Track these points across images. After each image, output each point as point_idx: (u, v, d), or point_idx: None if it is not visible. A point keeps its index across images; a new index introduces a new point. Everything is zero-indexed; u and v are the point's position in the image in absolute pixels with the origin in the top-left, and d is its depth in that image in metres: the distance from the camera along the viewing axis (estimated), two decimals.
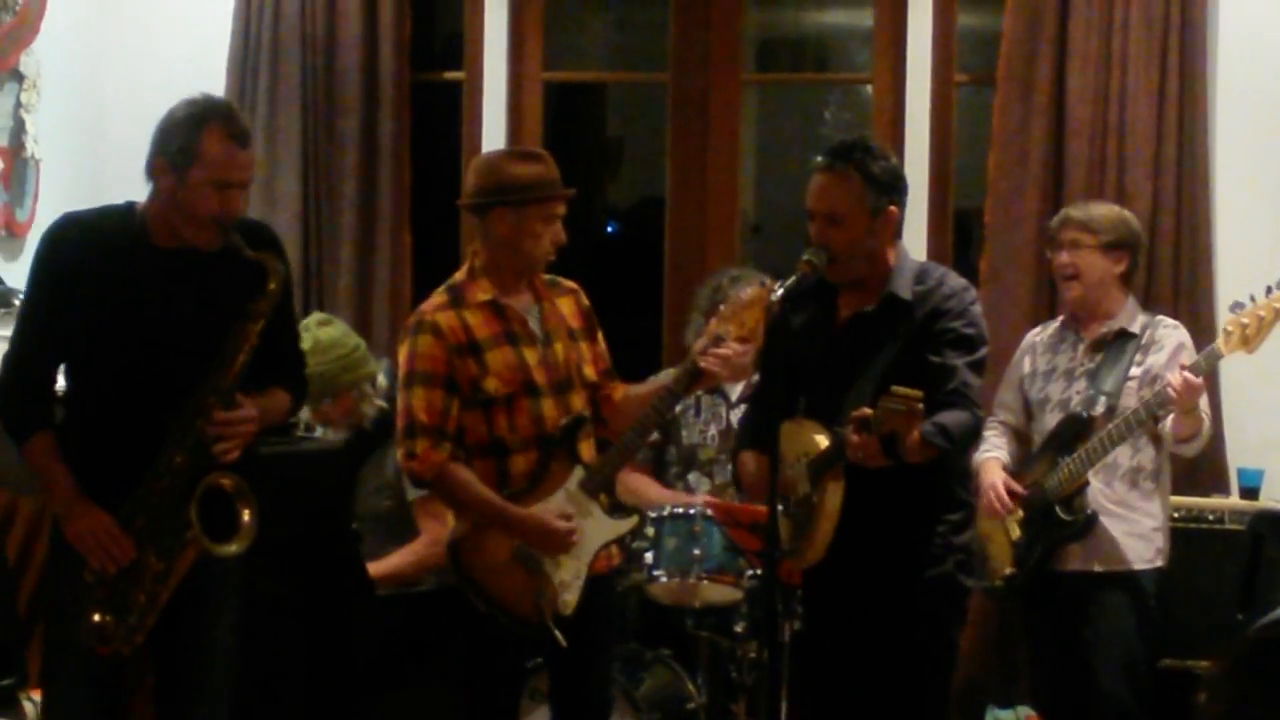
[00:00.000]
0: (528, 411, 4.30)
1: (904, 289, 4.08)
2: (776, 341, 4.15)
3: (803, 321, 4.17)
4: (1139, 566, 4.74)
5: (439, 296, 4.36)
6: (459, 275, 4.40)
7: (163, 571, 3.82)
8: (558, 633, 4.22)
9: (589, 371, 4.45)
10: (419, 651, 4.68)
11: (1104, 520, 4.69)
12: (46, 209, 5.66)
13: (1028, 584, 4.77)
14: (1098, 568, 4.71)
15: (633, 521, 4.48)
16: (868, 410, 3.77)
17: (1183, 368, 4.55)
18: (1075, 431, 4.71)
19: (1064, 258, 4.82)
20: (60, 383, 4.01)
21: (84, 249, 3.88)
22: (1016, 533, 4.75)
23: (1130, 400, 4.73)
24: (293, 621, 4.56)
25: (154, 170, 3.88)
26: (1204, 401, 4.68)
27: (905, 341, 4.04)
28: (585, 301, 4.55)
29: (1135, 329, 4.81)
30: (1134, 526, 4.74)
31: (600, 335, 4.54)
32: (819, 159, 4.12)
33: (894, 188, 4.10)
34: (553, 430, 4.32)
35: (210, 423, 3.79)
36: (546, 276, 4.49)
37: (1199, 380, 4.54)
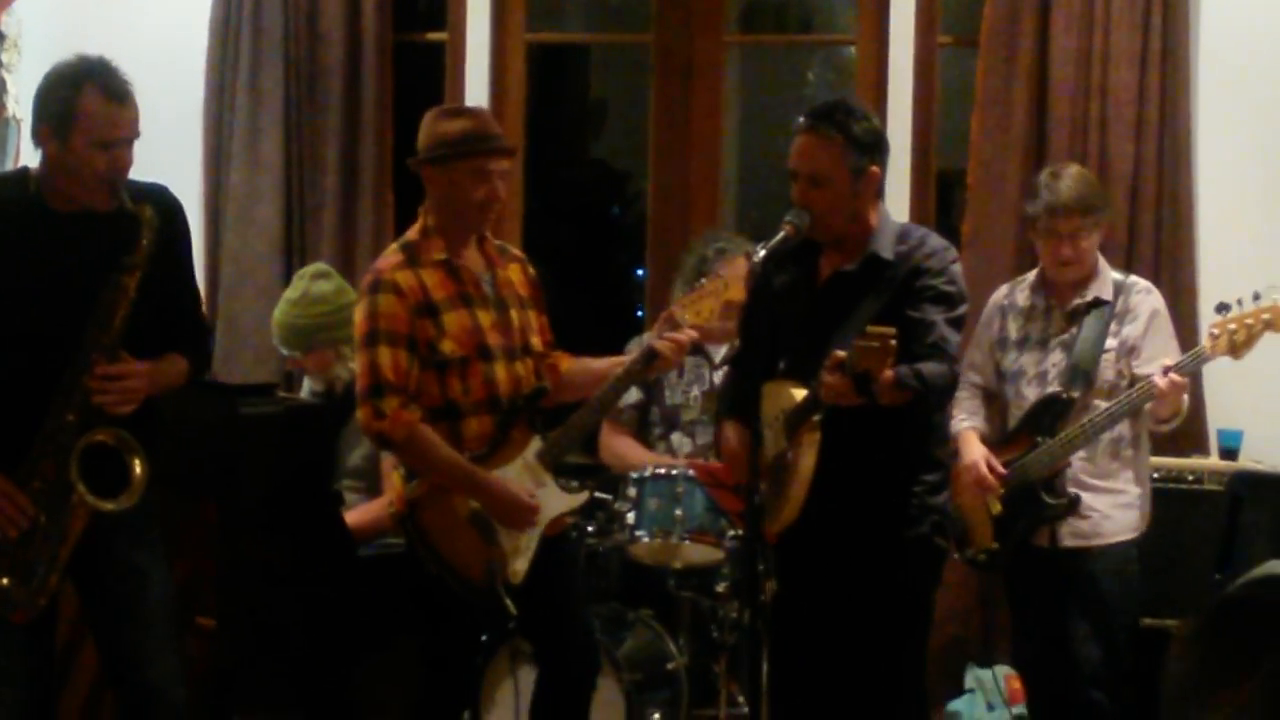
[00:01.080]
0: (481, 375, 4.29)
1: (886, 249, 4.09)
2: (758, 304, 4.16)
3: (784, 282, 4.16)
4: (1124, 537, 4.75)
5: (395, 255, 4.34)
6: (412, 233, 4.38)
7: (57, 532, 3.83)
8: (507, 600, 4.23)
9: (535, 341, 4.45)
10: (401, 611, 4.68)
11: (1088, 497, 4.69)
12: None
13: (1010, 558, 4.78)
14: (1084, 543, 4.71)
15: (584, 497, 4.54)
16: (842, 353, 3.78)
17: (1167, 369, 4.53)
18: (1055, 412, 4.69)
19: (1067, 251, 4.71)
20: None
21: None
22: (997, 508, 4.73)
23: (1108, 372, 4.71)
24: (275, 580, 4.58)
25: (38, 137, 3.88)
26: None
27: (887, 299, 4.05)
28: (532, 271, 4.54)
29: (1109, 295, 4.78)
30: (1118, 498, 4.75)
31: (543, 307, 4.54)
32: (801, 120, 4.13)
33: (875, 148, 4.11)
34: (515, 396, 4.33)
35: (94, 377, 3.79)
36: (496, 242, 4.49)
37: (1184, 380, 4.54)
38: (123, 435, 3.82)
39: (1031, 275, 4.95)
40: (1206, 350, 4.56)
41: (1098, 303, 4.78)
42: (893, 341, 3.68)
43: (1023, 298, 4.91)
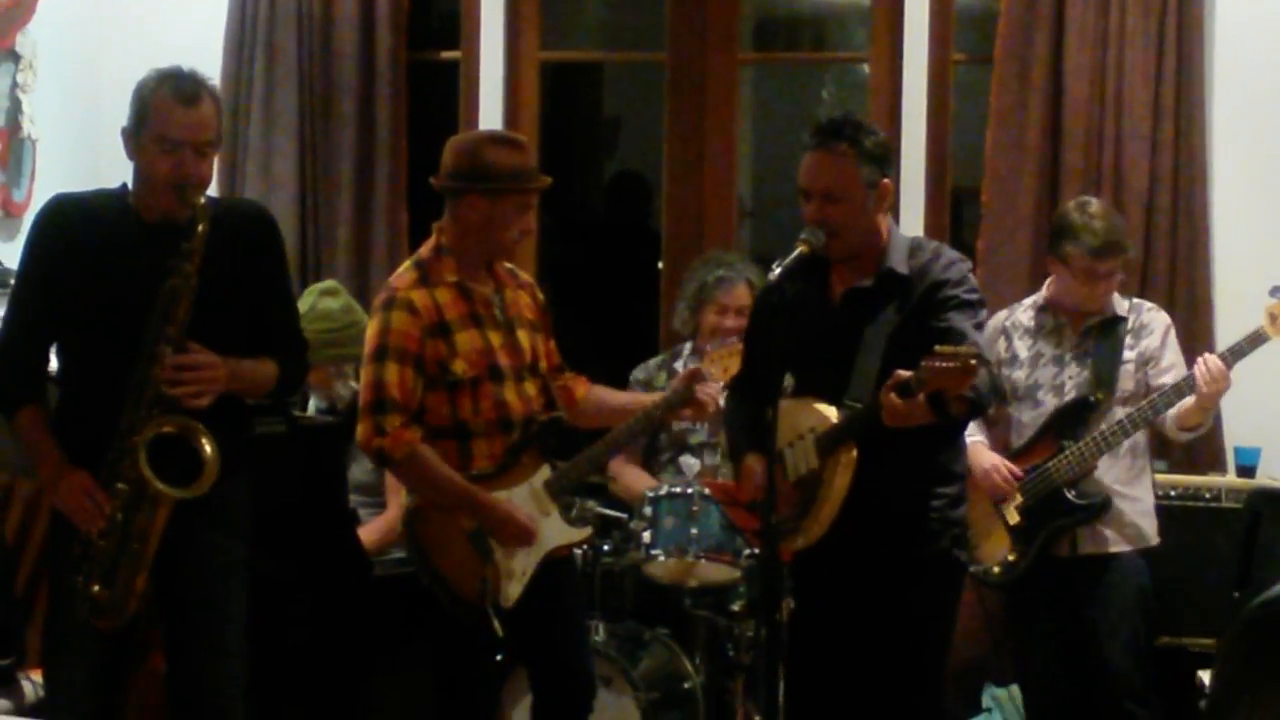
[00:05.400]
0: (492, 395, 4.29)
1: (900, 264, 4.08)
2: (762, 324, 4.15)
3: (792, 300, 4.07)
4: (1146, 544, 4.79)
5: (409, 273, 4.34)
6: (425, 251, 4.38)
7: (138, 530, 3.83)
8: (496, 621, 4.21)
9: (543, 364, 4.45)
10: (416, 630, 4.68)
11: (1115, 502, 4.72)
12: (43, 189, 5.66)
13: (1027, 571, 4.77)
14: (1112, 549, 4.73)
15: (586, 533, 4.58)
16: (906, 373, 3.73)
17: (1220, 356, 4.58)
18: (1079, 415, 4.71)
19: (1103, 290, 4.78)
20: (53, 363, 4.04)
21: (75, 228, 3.92)
22: (1015, 518, 4.74)
23: (1128, 382, 4.75)
24: (290, 600, 4.57)
25: (125, 142, 3.92)
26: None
27: (906, 314, 4.04)
28: (540, 296, 4.55)
29: (1124, 312, 4.84)
30: (1138, 504, 4.80)
31: (551, 332, 4.55)
32: (808, 137, 4.11)
33: (886, 161, 4.11)
34: (528, 418, 4.32)
35: (163, 369, 3.78)
36: (506, 265, 4.49)
37: (1225, 369, 4.58)
38: (186, 421, 3.79)
39: (1030, 299, 4.99)
40: (1267, 330, 4.61)
41: (1114, 319, 4.82)
42: (973, 361, 3.65)
43: (1026, 318, 4.94)
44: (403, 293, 4.27)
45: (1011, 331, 4.93)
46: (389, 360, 4.21)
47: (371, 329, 4.30)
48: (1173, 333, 4.88)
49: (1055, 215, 5.00)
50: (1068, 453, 4.71)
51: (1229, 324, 5.55)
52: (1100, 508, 4.71)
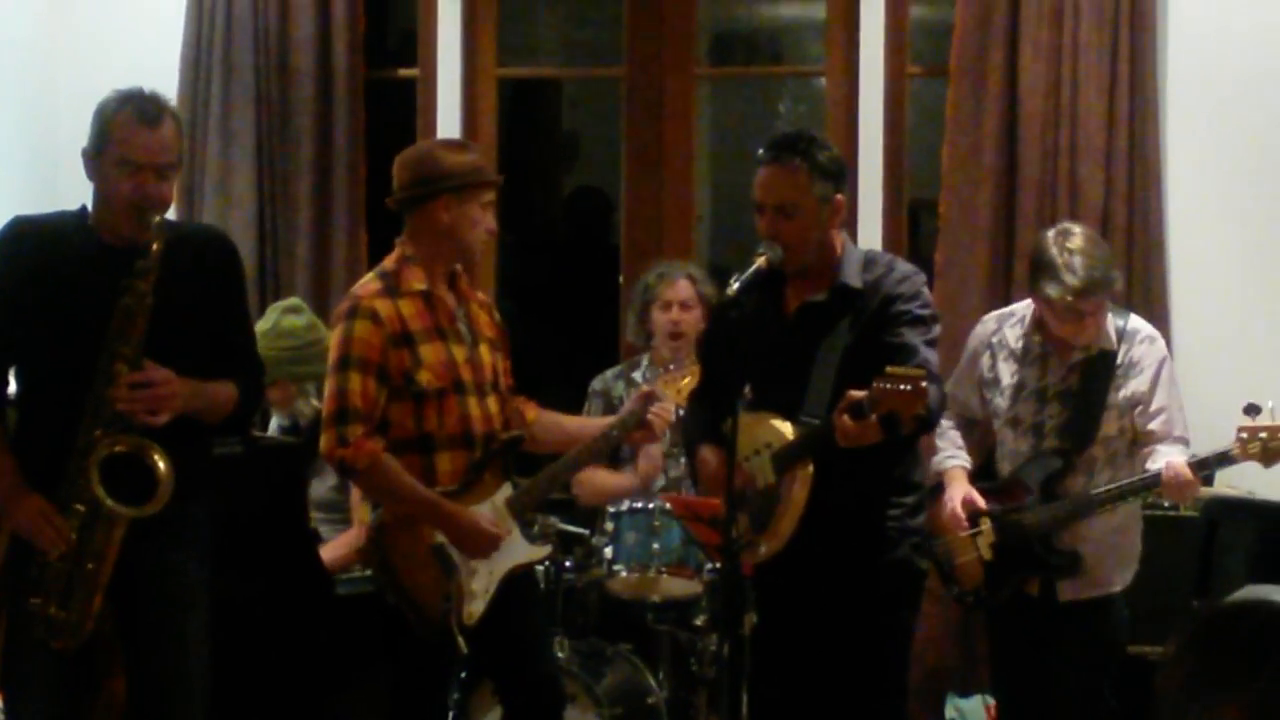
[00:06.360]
0: (456, 409, 4.30)
1: (853, 278, 4.10)
2: (719, 335, 4.17)
3: (748, 312, 4.09)
4: (1122, 587, 4.69)
5: (373, 283, 4.34)
6: (389, 263, 4.38)
7: (94, 551, 3.81)
8: (460, 638, 4.21)
9: (503, 382, 4.47)
10: (378, 649, 4.66)
11: (1091, 552, 4.58)
12: (0, 211, 5.63)
13: (1000, 604, 4.71)
14: (1084, 595, 4.61)
15: (546, 550, 4.62)
16: (858, 394, 3.74)
17: (1188, 464, 4.41)
18: (1054, 470, 4.58)
19: (1090, 329, 4.49)
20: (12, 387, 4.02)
21: (34, 250, 3.90)
22: (989, 555, 4.61)
23: (1110, 428, 4.58)
24: (251, 621, 4.55)
25: (85, 163, 3.90)
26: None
27: (860, 329, 4.06)
28: (498, 316, 4.57)
29: (1112, 345, 4.57)
30: (1120, 549, 4.68)
31: (508, 353, 4.56)
32: (763, 151, 4.13)
33: (839, 176, 4.14)
34: (489, 434, 4.33)
35: (118, 387, 3.76)
36: (468, 284, 4.50)
37: (1194, 479, 4.41)
38: (139, 440, 3.77)
39: (1019, 310, 4.72)
40: (1236, 453, 4.44)
41: (1101, 355, 4.58)
42: (923, 384, 3.65)
43: (1013, 337, 4.68)
44: (366, 301, 4.27)
45: (997, 350, 4.69)
46: (352, 370, 4.22)
47: (334, 338, 4.31)
48: (1166, 368, 4.60)
49: (1033, 247, 4.59)
50: (1037, 511, 4.55)
51: (1184, 334, 5.59)
52: (1069, 566, 4.56)
